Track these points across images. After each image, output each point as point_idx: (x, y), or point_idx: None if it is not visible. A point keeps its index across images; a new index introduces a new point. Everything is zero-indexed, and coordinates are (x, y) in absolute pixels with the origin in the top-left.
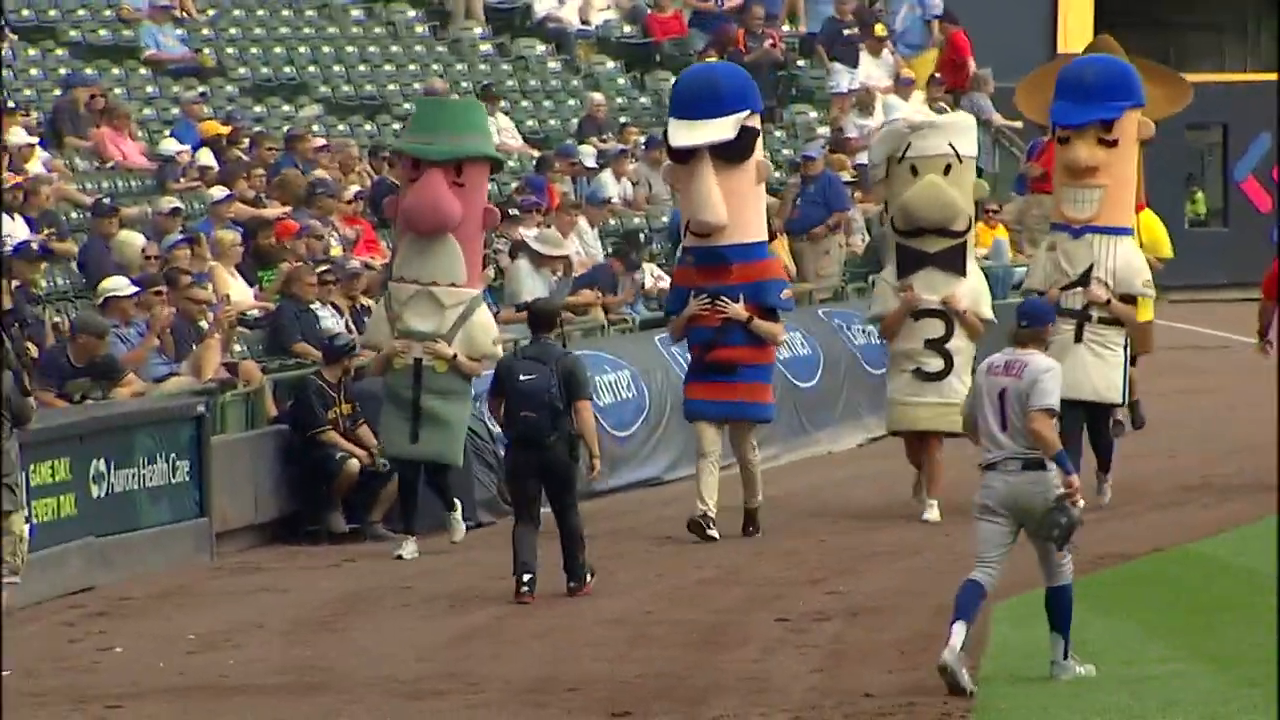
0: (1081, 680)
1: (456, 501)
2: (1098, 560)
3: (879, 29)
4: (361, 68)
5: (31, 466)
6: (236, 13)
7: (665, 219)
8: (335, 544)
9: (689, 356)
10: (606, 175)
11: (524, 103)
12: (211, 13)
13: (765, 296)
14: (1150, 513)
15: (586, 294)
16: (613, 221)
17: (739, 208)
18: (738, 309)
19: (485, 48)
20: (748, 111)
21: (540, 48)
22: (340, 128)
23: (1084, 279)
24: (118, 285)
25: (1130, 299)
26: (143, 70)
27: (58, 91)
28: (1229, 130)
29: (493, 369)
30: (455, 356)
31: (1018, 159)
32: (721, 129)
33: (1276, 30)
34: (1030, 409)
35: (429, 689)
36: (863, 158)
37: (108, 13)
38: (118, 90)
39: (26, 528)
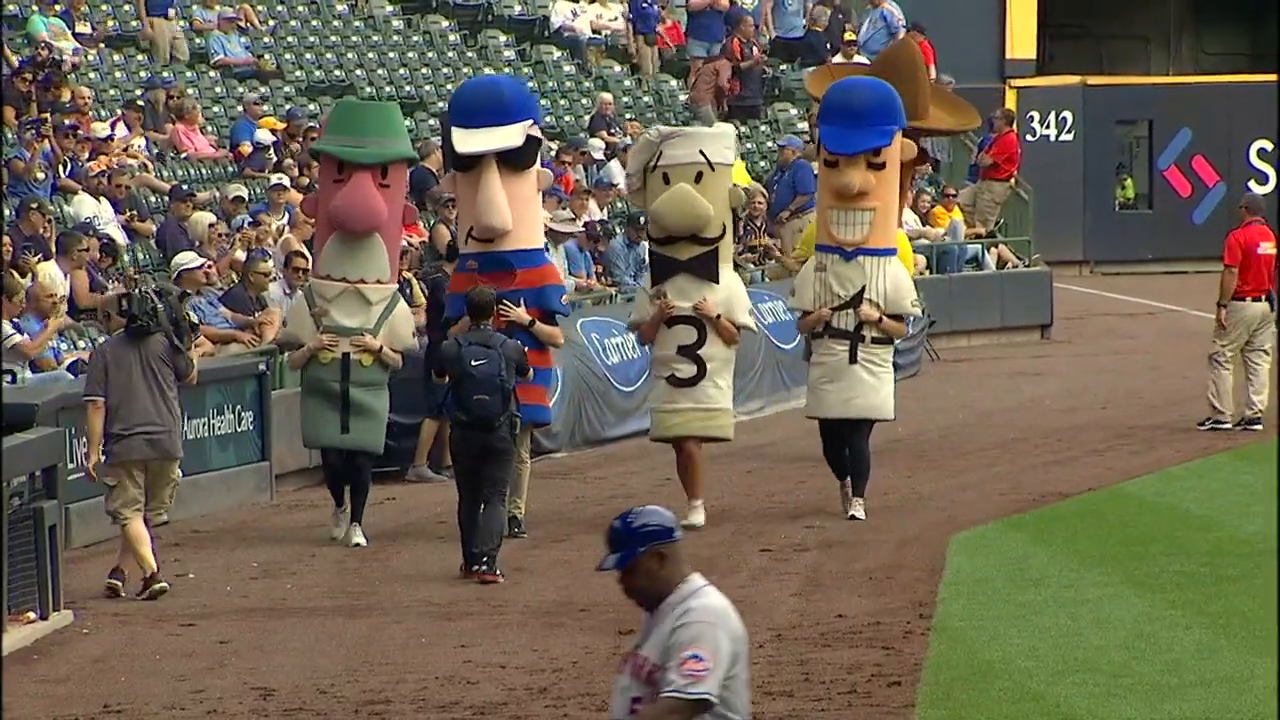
0: (1026, 603)
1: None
2: (1039, 499)
3: (849, 35)
4: (401, 71)
5: None
6: (293, 23)
7: None
8: (379, 484)
9: None
10: (613, 164)
11: (542, 101)
12: (271, 23)
13: (547, 301)
14: (1086, 457)
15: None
16: (619, 204)
17: (522, 214)
18: (520, 313)
19: (509, 54)
20: (530, 121)
21: (556, 53)
22: None
23: (856, 300)
24: (188, 259)
25: (899, 317)
26: (212, 73)
27: (139, 92)
28: (1154, 125)
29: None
30: (381, 349)
31: (970, 149)
32: (509, 136)
33: (1278, 31)
34: None
35: (460, 611)
36: None
37: (182, 23)
38: (190, 91)
39: (179, 474)
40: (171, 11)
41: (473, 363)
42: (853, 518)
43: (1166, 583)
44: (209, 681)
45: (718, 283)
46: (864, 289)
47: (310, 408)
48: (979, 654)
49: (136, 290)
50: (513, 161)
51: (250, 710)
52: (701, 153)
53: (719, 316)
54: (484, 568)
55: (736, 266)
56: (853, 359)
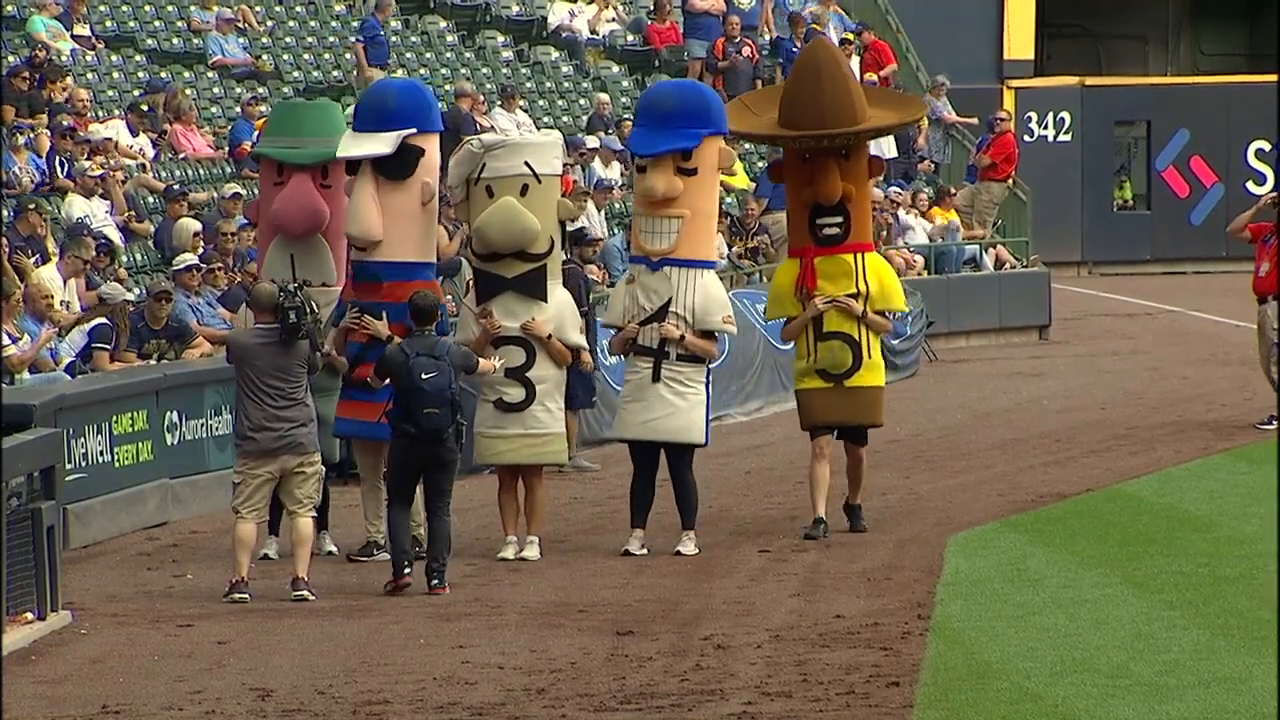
0: (1024, 604)
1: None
2: (1038, 499)
3: (848, 37)
4: (400, 72)
5: (114, 417)
6: (291, 24)
7: None
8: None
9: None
10: (613, 165)
11: (540, 102)
12: (269, 23)
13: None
14: (1084, 458)
15: None
16: (617, 205)
17: (397, 226)
18: (379, 326)
19: (507, 54)
20: (414, 130)
21: (554, 54)
22: None
23: (661, 314)
24: (185, 260)
25: (710, 334)
26: (210, 74)
27: (137, 93)
28: (1152, 126)
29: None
30: (332, 354)
31: (968, 150)
32: (380, 143)
33: (1277, 32)
34: None
35: (459, 611)
36: None
37: (180, 24)
38: (188, 91)
39: (322, 469)
40: (390, 60)
41: (422, 376)
42: (678, 553)
43: (1165, 583)
44: (207, 682)
45: (546, 301)
46: (669, 302)
47: None
48: (977, 655)
49: (299, 297)
50: (388, 171)
51: (248, 711)
52: (527, 164)
53: (550, 336)
54: (435, 581)
55: (737, 268)
56: (655, 377)
